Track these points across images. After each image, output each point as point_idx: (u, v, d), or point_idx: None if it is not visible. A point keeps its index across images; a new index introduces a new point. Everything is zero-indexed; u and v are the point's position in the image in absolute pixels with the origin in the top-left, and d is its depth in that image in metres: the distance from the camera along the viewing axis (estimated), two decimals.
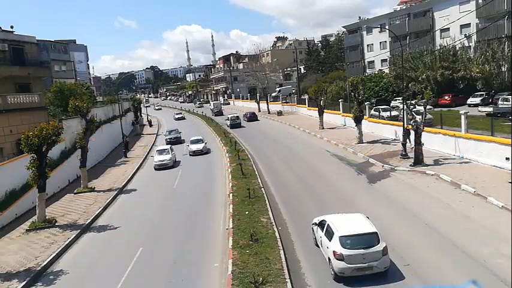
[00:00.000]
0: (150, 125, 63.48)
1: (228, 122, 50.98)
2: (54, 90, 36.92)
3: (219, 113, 65.95)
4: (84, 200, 24.31)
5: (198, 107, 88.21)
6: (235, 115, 52.86)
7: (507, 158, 19.25)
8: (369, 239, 11.93)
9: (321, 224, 13.54)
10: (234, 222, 17.22)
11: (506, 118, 25.92)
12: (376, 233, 12.11)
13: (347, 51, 69.46)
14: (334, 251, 11.88)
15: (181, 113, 72.23)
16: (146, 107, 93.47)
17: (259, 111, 66.30)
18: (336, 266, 11.79)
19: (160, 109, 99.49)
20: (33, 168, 19.62)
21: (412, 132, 23.96)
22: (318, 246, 14.02)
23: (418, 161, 23.18)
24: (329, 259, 12.34)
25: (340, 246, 11.81)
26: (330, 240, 12.38)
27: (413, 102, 26.12)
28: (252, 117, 55.50)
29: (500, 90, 37.80)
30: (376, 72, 54.22)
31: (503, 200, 16.07)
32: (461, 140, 23.51)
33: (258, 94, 70.75)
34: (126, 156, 37.53)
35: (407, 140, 25.25)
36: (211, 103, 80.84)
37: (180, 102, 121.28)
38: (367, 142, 31.40)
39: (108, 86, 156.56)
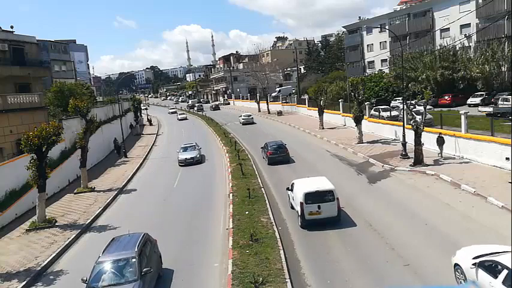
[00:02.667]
0: (150, 124, 65.71)
1: (196, 108, 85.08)
2: (54, 90, 36.88)
3: (193, 106, 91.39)
4: (84, 200, 24.29)
5: (175, 103, 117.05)
6: (200, 104, 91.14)
7: (507, 158, 19.27)
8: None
9: None
10: (234, 222, 17.21)
11: (506, 118, 25.94)
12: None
13: (347, 51, 69.51)
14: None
15: (194, 148, 33.34)
16: (171, 113, 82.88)
17: (259, 111, 66.37)
18: None
19: (186, 119, 69.51)
20: (33, 168, 19.61)
21: (445, 140, 23.57)
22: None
23: (418, 161, 23.18)
24: None
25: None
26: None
27: (413, 102, 26.13)
28: (215, 108, 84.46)
29: (500, 90, 37.83)
30: (376, 72, 54.28)
31: (503, 200, 16.06)
32: (461, 140, 23.51)
33: (258, 94, 70.81)
34: (126, 156, 37.54)
35: (441, 149, 24.22)
36: (189, 101, 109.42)
37: (181, 102, 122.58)
38: (367, 142, 31.40)
39: (108, 86, 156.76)
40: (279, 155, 28.00)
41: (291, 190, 17.91)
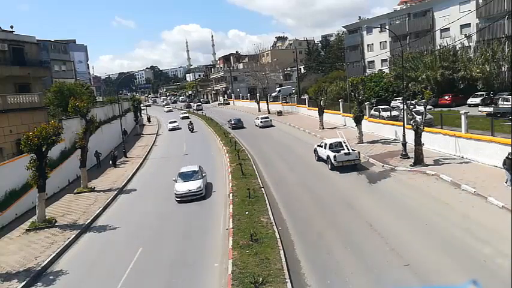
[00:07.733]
0: (149, 121, 68.16)
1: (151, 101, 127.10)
2: (54, 90, 36.89)
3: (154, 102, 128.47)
4: (84, 200, 24.30)
5: (153, 103, 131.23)
6: (154, 99, 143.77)
7: None
8: None
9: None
10: (234, 222, 17.22)
11: (506, 118, 25.92)
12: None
13: (347, 51, 69.47)
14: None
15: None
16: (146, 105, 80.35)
17: (259, 111, 66.29)
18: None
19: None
20: (33, 168, 19.62)
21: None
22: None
23: (418, 161, 23.17)
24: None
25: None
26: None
27: (413, 102, 26.11)
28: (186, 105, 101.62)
29: (500, 90, 37.81)
30: (376, 72, 54.23)
31: (503, 200, 16.07)
32: (462, 140, 23.50)
33: (258, 94, 70.73)
34: (126, 157, 37.53)
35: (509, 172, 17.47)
36: (165, 100, 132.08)
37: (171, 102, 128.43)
38: (367, 142, 31.39)
39: (108, 86, 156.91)
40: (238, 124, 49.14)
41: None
